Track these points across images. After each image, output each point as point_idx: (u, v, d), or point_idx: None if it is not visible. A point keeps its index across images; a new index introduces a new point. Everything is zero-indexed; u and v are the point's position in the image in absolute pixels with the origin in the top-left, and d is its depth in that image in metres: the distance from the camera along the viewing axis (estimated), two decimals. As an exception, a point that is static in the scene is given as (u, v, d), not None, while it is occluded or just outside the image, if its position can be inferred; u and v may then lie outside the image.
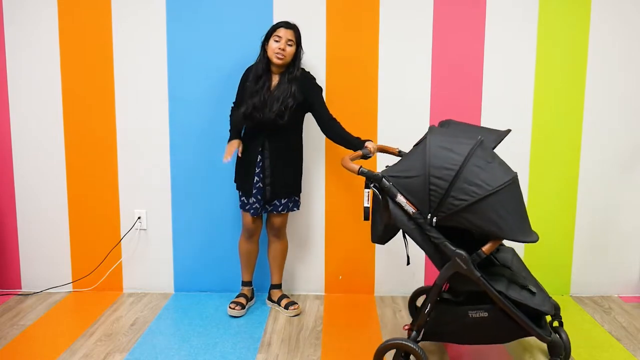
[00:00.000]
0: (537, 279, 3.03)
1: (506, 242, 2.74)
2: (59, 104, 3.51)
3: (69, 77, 3.49)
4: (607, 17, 3.39)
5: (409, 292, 3.23)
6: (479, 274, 2.41)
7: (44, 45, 3.47)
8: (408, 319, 3.17)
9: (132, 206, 3.59)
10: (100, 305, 3.43)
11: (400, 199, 2.46)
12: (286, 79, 3.12)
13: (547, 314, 2.53)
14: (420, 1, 3.40)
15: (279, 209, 3.26)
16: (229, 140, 3.22)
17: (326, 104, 3.20)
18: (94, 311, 3.35)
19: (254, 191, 3.18)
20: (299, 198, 3.35)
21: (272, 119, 3.08)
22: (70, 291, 3.64)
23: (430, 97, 3.47)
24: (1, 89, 3.50)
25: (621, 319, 3.28)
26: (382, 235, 2.65)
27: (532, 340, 2.97)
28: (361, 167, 2.54)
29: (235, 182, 3.31)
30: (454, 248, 2.42)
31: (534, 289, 2.54)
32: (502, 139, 2.57)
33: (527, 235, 2.40)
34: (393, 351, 2.60)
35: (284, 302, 3.36)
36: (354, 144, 3.05)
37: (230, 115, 3.28)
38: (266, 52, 3.12)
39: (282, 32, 3.07)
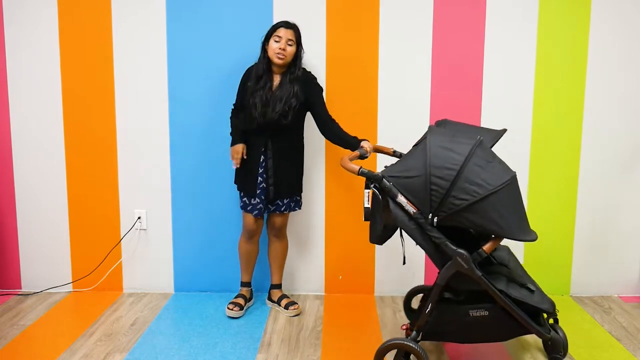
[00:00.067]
0: (537, 279, 3.03)
1: (504, 241, 2.74)
2: (59, 104, 3.51)
3: (69, 77, 3.49)
4: (607, 17, 3.39)
5: (409, 292, 3.23)
6: (480, 273, 2.43)
7: (44, 45, 3.47)
8: (408, 319, 3.17)
9: (132, 206, 3.59)
10: (100, 305, 3.43)
11: (401, 199, 2.46)
12: (288, 79, 3.12)
13: (547, 312, 2.55)
14: (420, 1, 3.41)
15: (282, 209, 3.26)
16: (233, 143, 3.20)
17: (326, 104, 3.20)
18: (94, 311, 3.35)
19: (257, 191, 3.17)
20: (301, 197, 3.35)
21: (275, 119, 3.07)
22: (70, 291, 3.64)
23: (430, 97, 3.47)
24: (1, 89, 3.50)
25: (621, 319, 3.28)
26: (380, 235, 2.65)
27: (530, 339, 2.98)
28: (361, 167, 2.54)
29: (235, 183, 3.29)
30: (454, 247, 2.43)
31: (532, 287, 2.57)
32: (499, 139, 2.58)
33: (527, 234, 2.42)
34: (393, 351, 2.60)
35: (284, 302, 3.36)
36: (351, 143, 3.05)
37: (231, 117, 3.27)
38: (266, 52, 3.12)
39: (282, 32, 3.07)
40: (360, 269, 3.62)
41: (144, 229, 3.61)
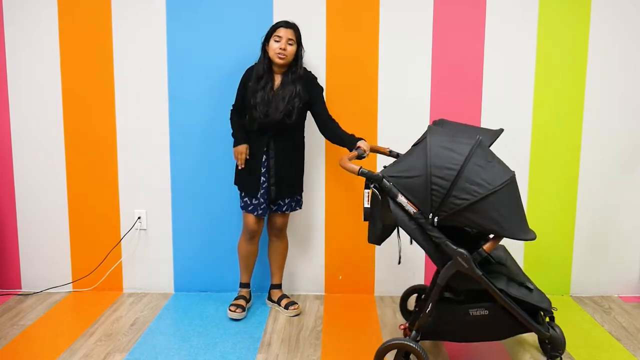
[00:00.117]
0: (537, 278, 3.04)
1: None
2: (59, 104, 3.51)
3: (69, 77, 3.49)
4: (607, 17, 3.39)
5: (409, 292, 3.23)
6: (480, 273, 2.43)
7: (44, 45, 3.47)
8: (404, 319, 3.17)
9: (132, 206, 3.59)
10: (100, 305, 3.43)
11: (401, 199, 2.46)
12: (290, 78, 3.12)
13: (546, 310, 2.56)
14: (420, 1, 3.41)
15: (283, 209, 3.26)
16: (236, 144, 3.19)
17: (326, 104, 3.20)
18: (94, 311, 3.35)
19: (261, 191, 3.16)
20: (301, 197, 3.35)
21: (280, 119, 3.07)
22: (70, 291, 3.64)
23: (430, 97, 3.47)
24: (1, 89, 3.50)
25: (621, 319, 3.28)
26: (379, 235, 2.66)
27: (529, 337, 2.98)
28: (361, 167, 2.54)
29: (236, 183, 3.27)
30: (455, 247, 2.43)
31: (531, 286, 2.59)
32: (496, 138, 2.58)
33: (526, 233, 2.43)
34: (393, 351, 2.60)
35: (284, 302, 3.36)
36: (347, 142, 3.05)
37: (231, 118, 3.26)
38: (267, 52, 3.11)
39: (282, 31, 3.07)
40: (360, 269, 3.62)
41: (144, 229, 3.61)
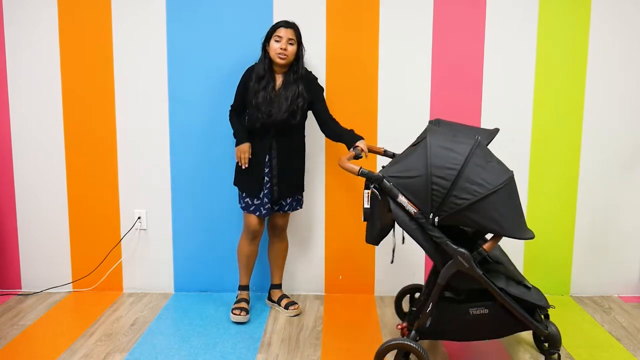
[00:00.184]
0: (537, 278, 3.04)
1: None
2: (59, 104, 3.51)
3: (69, 77, 3.49)
4: (607, 17, 3.39)
5: (409, 292, 3.23)
6: (480, 272, 2.44)
7: (44, 45, 3.47)
8: (400, 319, 3.17)
9: (132, 206, 3.59)
10: (100, 305, 3.43)
11: (402, 199, 2.46)
12: (292, 78, 3.12)
13: (545, 308, 2.59)
14: (420, 1, 3.41)
15: (285, 209, 3.26)
16: (238, 143, 3.15)
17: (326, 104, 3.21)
18: (94, 311, 3.35)
19: (265, 191, 3.15)
20: (302, 196, 3.35)
21: (284, 119, 3.07)
22: (70, 291, 3.64)
23: (430, 97, 3.47)
24: (1, 89, 3.50)
25: (621, 319, 3.28)
26: (377, 236, 2.66)
27: (528, 336, 2.97)
28: (361, 167, 2.54)
29: (236, 184, 3.25)
30: (455, 247, 2.43)
31: (529, 284, 2.61)
32: (493, 138, 2.59)
33: (525, 232, 2.45)
34: (393, 351, 2.60)
35: (284, 302, 3.36)
36: (346, 139, 3.05)
37: (230, 118, 3.24)
38: (267, 52, 3.11)
39: (282, 31, 3.07)
40: (360, 269, 3.62)
41: (144, 229, 3.61)
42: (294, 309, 3.32)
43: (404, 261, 3.53)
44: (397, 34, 3.43)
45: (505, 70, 3.45)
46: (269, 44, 3.10)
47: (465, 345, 2.95)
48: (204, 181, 3.54)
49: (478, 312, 2.52)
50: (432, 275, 2.80)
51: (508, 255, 2.88)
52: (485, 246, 2.44)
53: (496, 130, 2.60)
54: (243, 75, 3.20)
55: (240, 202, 3.24)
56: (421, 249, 2.51)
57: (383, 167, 2.66)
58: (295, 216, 3.51)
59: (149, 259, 3.63)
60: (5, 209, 3.61)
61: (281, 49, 3.05)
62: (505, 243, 2.78)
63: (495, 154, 2.52)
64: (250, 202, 3.18)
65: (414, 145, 2.64)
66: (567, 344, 2.95)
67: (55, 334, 3.07)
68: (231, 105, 3.25)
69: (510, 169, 2.46)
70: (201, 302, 3.49)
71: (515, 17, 3.41)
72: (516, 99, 3.47)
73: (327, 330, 3.13)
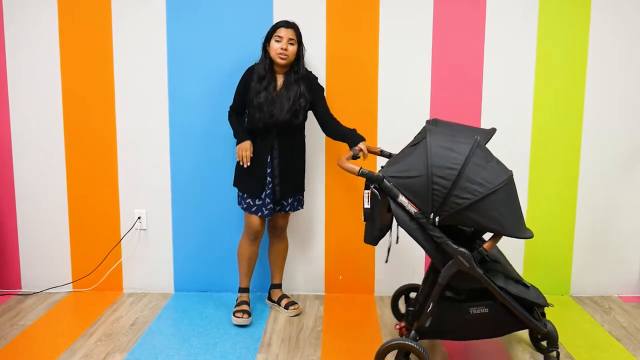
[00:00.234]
0: (537, 278, 3.04)
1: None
2: (59, 104, 3.51)
3: (69, 77, 3.49)
4: (607, 17, 3.39)
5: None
6: (480, 271, 2.44)
7: (44, 45, 3.47)
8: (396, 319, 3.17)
9: (132, 206, 3.59)
10: (100, 305, 3.43)
11: (402, 199, 2.46)
12: (293, 78, 3.11)
13: (544, 306, 2.60)
14: (420, 1, 3.41)
15: (286, 209, 3.25)
16: (240, 141, 3.12)
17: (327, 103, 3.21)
18: (94, 311, 3.35)
19: (267, 191, 3.15)
20: (303, 196, 3.35)
21: (286, 120, 3.06)
22: (70, 291, 3.64)
23: (430, 97, 3.47)
24: (1, 89, 3.50)
25: (621, 319, 3.28)
26: (376, 236, 2.66)
27: (527, 336, 2.97)
28: (361, 168, 2.54)
29: (235, 185, 3.23)
30: (456, 247, 2.44)
31: (527, 283, 2.62)
32: (490, 138, 2.59)
33: (524, 231, 2.46)
34: (394, 351, 2.60)
35: (284, 302, 3.36)
36: (348, 137, 3.05)
37: (230, 119, 3.22)
38: (268, 53, 3.10)
39: (282, 31, 3.06)
40: (360, 269, 3.62)
41: (144, 229, 3.61)
42: (294, 309, 3.32)
43: (403, 261, 3.53)
44: (397, 34, 3.43)
45: (505, 70, 3.45)
46: (269, 44, 3.09)
47: (465, 344, 2.95)
48: (204, 181, 3.54)
49: (478, 311, 2.53)
50: (430, 275, 2.80)
51: (507, 255, 2.89)
52: (486, 246, 2.44)
53: (493, 130, 2.61)
54: (243, 76, 3.19)
55: (241, 203, 3.22)
56: (421, 248, 2.51)
57: (382, 167, 2.66)
58: (295, 216, 3.51)
59: (149, 259, 3.63)
60: (5, 209, 3.61)
61: (282, 49, 3.05)
62: (506, 243, 2.78)
63: (495, 154, 2.52)
64: (252, 203, 3.17)
65: (412, 145, 2.63)
66: (567, 344, 2.95)
67: (55, 334, 3.07)
68: (230, 106, 3.24)
69: (509, 169, 2.46)
70: (201, 302, 3.49)
71: (515, 17, 3.41)
72: (516, 99, 3.47)
73: (327, 330, 3.13)
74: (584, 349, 2.91)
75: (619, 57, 3.43)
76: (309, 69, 3.26)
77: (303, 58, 3.15)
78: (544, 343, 2.77)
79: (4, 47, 3.47)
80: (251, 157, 3.11)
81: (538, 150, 3.50)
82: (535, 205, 3.52)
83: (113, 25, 3.45)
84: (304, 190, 3.33)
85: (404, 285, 3.18)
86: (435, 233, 2.45)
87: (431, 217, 2.43)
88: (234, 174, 3.26)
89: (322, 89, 3.23)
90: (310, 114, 3.22)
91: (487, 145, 2.53)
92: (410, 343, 2.53)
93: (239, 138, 3.14)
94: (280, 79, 3.14)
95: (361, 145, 2.96)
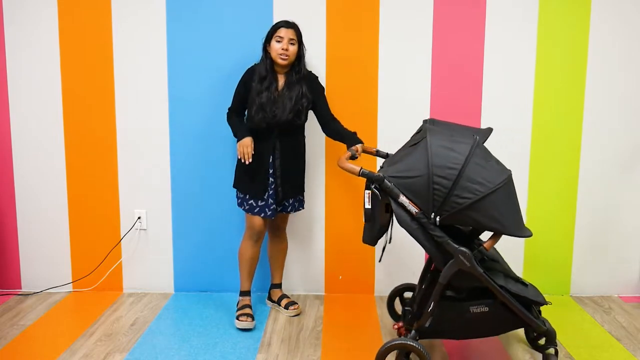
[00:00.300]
0: (537, 278, 3.04)
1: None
2: (59, 104, 3.51)
3: (69, 77, 3.49)
4: (607, 17, 3.40)
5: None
6: (481, 271, 2.44)
7: (44, 45, 3.47)
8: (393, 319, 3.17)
9: (132, 206, 3.59)
10: (100, 305, 3.43)
11: (403, 199, 2.46)
12: (294, 78, 3.11)
13: (543, 305, 2.60)
14: (420, 1, 3.41)
15: (288, 210, 3.25)
16: (240, 138, 3.07)
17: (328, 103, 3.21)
18: (94, 311, 3.35)
19: (270, 192, 3.13)
20: (304, 197, 3.35)
21: (289, 120, 3.06)
22: (70, 291, 3.64)
23: (430, 97, 3.48)
24: (1, 89, 3.50)
25: (621, 319, 3.29)
26: (376, 236, 2.66)
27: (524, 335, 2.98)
28: (362, 168, 2.54)
29: (235, 186, 3.22)
30: (457, 246, 2.44)
31: (526, 281, 2.63)
32: (487, 137, 2.60)
33: (524, 231, 2.46)
34: (394, 351, 2.60)
35: (284, 302, 3.36)
36: (346, 138, 3.05)
37: (229, 119, 3.20)
38: (268, 53, 3.10)
39: (283, 32, 3.06)
40: (360, 269, 3.62)
41: (144, 229, 3.61)
42: (294, 309, 3.32)
43: (403, 261, 3.53)
44: (397, 34, 3.43)
45: (505, 70, 3.45)
46: (269, 45, 3.09)
47: (465, 344, 2.95)
48: (204, 181, 3.54)
49: (478, 310, 2.54)
50: (426, 275, 2.81)
51: (507, 255, 2.89)
52: (486, 245, 2.45)
53: (490, 130, 2.61)
54: (243, 76, 3.17)
55: (242, 205, 3.19)
56: (420, 248, 2.51)
57: (381, 167, 2.66)
58: (295, 216, 3.51)
59: (149, 259, 3.63)
60: (5, 209, 3.61)
61: (282, 49, 3.05)
62: (506, 242, 2.78)
63: (495, 154, 2.53)
64: (254, 204, 3.15)
65: (412, 145, 2.63)
66: (567, 344, 2.95)
67: (55, 334, 3.07)
68: (229, 108, 3.22)
69: (508, 168, 2.46)
70: (201, 302, 3.49)
71: (515, 17, 3.41)
72: (516, 99, 3.47)
73: (327, 330, 3.13)
74: (584, 349, 2.91)
75: (619, 57, 3.43)
76: (309, 69, 3.26)
77: (304, 58, 3.15)
78: (541, 341, 2.77)
79: (4, 47, 3.47)
80: (253, 157, 3.06)
81: (538, 150, 3.50)
82: (535, 205, 3.52)
83: (113, 25, 3.45)
84: (304, 191, 3.32)
85: (398, 286, 3.18)
86: (436, 233, 2.45)
87: (432, 216, 2.43)
88: (234, 176, 3.25)
89: (323, 88, 3.23)
90: (310, 114, 3.22)
91: (487, 145, 2.54)
92: (411, 343, 2.53)
93: (240, 135, 3.09)
94: (281, 79, 3.14)
95: (358, 146, 2.96)
